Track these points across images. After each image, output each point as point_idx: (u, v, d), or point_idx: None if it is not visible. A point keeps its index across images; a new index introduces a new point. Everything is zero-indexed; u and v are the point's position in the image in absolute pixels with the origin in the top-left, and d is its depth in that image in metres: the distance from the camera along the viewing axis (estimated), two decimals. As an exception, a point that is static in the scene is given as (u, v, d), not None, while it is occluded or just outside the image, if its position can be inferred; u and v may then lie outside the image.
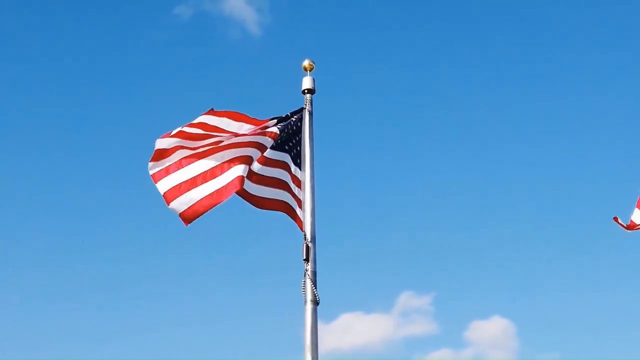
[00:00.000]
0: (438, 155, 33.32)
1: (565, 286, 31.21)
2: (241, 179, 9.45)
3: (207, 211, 9.56)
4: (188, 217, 9.57)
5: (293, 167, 10.34)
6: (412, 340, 30.69)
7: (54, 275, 29.66)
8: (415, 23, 34.92)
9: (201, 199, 9.54)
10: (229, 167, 9.59)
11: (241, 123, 10.16)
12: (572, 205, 32.89)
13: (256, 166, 9.98)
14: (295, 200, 10.13)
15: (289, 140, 10.36)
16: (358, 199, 32.26)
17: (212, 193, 9.53)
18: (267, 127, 10.10)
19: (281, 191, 10.14)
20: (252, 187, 9.95)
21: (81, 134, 31.84)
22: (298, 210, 10.05)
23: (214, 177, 9.57)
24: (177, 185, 9.60)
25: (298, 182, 10.26)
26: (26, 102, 32.14)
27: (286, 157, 10.35)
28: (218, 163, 9.62)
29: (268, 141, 9.94)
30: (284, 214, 10.12)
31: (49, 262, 29.81)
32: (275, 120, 10.30)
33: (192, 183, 9.61)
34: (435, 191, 32.77)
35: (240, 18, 32.88)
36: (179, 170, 9.69)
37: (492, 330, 30.95)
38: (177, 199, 9.54)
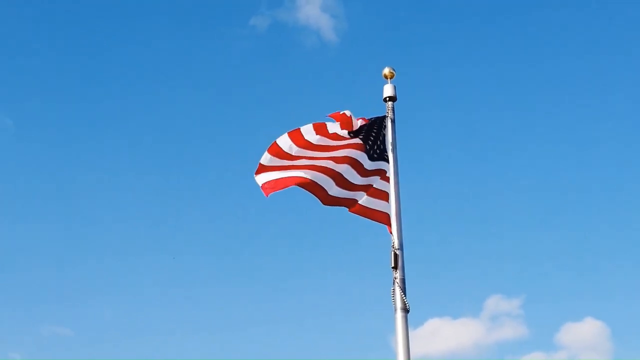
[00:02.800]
0: (524, 158, 32.89)
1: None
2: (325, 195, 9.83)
3: (287, 187, 9.79)
4: (269, 187, 9.81)
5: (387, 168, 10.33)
6: (503, 345, 30.29)
7: (141, 271, 30.20)
8: (496, 25, 34.56)
9: (288, 178, 9.84)
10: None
11: (321, 136, 10.25)
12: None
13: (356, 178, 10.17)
14: (385, 200, 10.15)
15: (373, 146, 10.34)
16: (443, 205, 32.04)
17: (304, 179, 9.84)
18: (352, 136, 10.20)
19: (383, 202, 10.16)
20: (366, 200, 10.09)
21: (167, 141, 32.35)
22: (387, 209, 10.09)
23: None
24: (274, 180, 9.85)
25: (387, 179, 10.25)
26: (112, 113, 32.90)
27: (384, 165, 10.29)
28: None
29: (359, 154, 10.16)
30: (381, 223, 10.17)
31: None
32: (359, 123, 10.31)
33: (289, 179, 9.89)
34: (521, 193, 32.35)
35: (316, 26, 33.07)
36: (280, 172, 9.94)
37: (585, 333, 30.34)
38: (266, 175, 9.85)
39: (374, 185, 10.21)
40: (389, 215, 10.02)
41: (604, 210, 32.41)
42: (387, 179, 10.21)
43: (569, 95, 34.07)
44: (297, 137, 10.13)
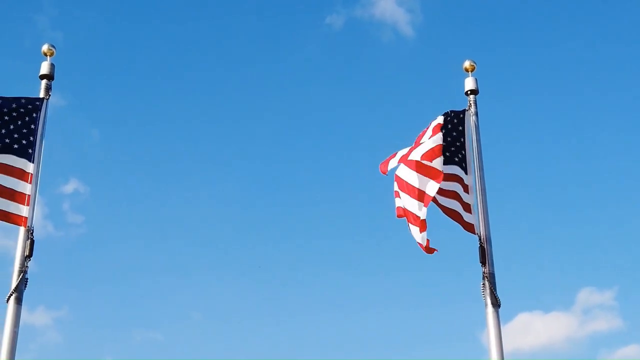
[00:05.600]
0: (614, 147, 32.04)
1: None
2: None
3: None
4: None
5: (464, 176, 10.26)
6: (597, 338, 29.58)
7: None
8: (582, 11, 33.77)
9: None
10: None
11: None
12: None
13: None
14: (462, 205, 10.06)
15: (451, 145, 10.23)
16: (530, 197, 31.45)
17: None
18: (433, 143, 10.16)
19: (454, 201, 10.12)
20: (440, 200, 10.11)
21: (251, 142, 32.70)
22: (465, 215, 9.99)
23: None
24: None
25: (466, 187, 10.17)
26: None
27: (456, 169, 10.25)
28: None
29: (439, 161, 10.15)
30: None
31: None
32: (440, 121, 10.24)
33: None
34: (611, 182, 31.54)
35: (392, 20, 32.82)
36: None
37: (684, 323, 29.33)
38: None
39: (454, 190, 10.13)
40: (467, 222, 9.97)
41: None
42: (465, 187, 10.15)
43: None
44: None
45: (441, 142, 9.79)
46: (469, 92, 10.66)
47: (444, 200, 10.03)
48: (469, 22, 32.83)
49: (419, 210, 9.61)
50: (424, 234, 9.48)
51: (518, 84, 32.01)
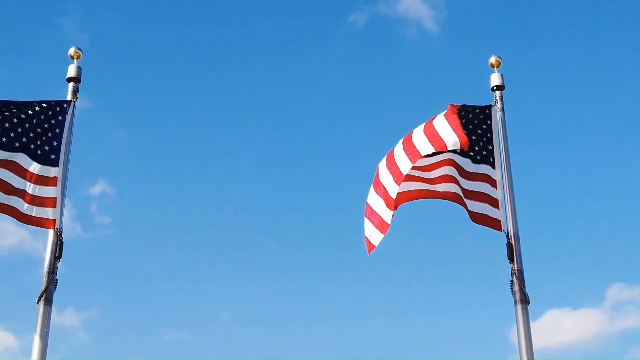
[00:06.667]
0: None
1: None
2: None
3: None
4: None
5: (491, 172, 10.16)
6: (628, 335, 29.27)
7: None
8: (609, 5, 33.49)
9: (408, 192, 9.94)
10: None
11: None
12: None
13: (463, 182, 10.08)
14: (491, 202, 10.00)
15: (479, 141, 10.17)
16: (558, 193, 31.22)
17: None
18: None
19: (484, 204, 10.02)
20: (469, 204, 10.03)
21: (277, 139, 32.82)
22: (493, 212, 9.92)
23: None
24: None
25: (494, 183, 10.10)
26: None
27: (484, 168, 10.15)
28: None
29: (461, 159, 10.09)
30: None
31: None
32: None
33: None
34: (639, 178, 31.24)
35: (417, 17, 32.69)
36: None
37: None
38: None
39: (481, 191, 10.05)
40: (494, 219, 9.89)
41: None
42: (493, 183, 10.07)
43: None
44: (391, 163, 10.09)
45: (423, 155, 9.67)
46: (495, 88, 10.60)
47: (473, 205, 9.94)
48: (496, 17, 32.65)
49: (385, 213, 9.62)
50: (381, 237, 9.60)
51: (547, 79, 31.79)
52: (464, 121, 9.85)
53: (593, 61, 31.93)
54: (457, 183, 10.04)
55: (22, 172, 9.27)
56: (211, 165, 31.06)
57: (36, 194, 9.28)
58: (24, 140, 9.36)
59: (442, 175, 10.04)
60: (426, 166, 10.03)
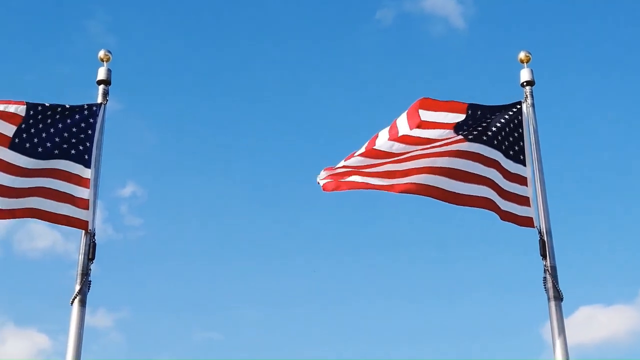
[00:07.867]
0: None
1: None
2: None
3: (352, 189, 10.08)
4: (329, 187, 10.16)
5: (521, 169, 10.03)
6: (662, 331, 28.98)
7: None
8: (636, 3, 33.11)
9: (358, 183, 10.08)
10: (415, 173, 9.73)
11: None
12: None
13: (448, 161, 9.73)
14: (520, 200, 9.96)
15: (498, 134, 10.03)
16: (590, 188, 30.94)
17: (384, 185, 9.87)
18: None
19: (482, 187, 9.74)
20: (450, 184, 9.69)
21: (301, 139, 32.78)
22: (522, 209, 9.85)
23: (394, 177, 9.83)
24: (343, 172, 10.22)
25: (514, 178, 9.97)
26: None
27: (496, 154, 9.90)
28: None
29: (488, 150, 9.86)
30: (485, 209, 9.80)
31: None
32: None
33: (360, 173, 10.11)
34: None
35: (443, 13, 32.52)
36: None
37: None
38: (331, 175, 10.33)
39: (517, 193, 9.93)
40: (524, 217, 9.76)
41: None
42: (524, 181, 9.93)
43: None
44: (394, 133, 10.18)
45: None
46: (524, 83, 10.53)
47: (504, 204, 9.82)
48: (525, 12, 32.43)
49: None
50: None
51: (574, 74, 31.53)
52: (489, 118, 9.90)
53: (624, 55, 31.63)
54: (494, 184, 9.83)
55: (65, 176, 9.46)
56: (242, 167, 31.18)
57: (77, 195, 9.44)
58: (64, 146, 9.55)
59: (476, 175, 9.81)
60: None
